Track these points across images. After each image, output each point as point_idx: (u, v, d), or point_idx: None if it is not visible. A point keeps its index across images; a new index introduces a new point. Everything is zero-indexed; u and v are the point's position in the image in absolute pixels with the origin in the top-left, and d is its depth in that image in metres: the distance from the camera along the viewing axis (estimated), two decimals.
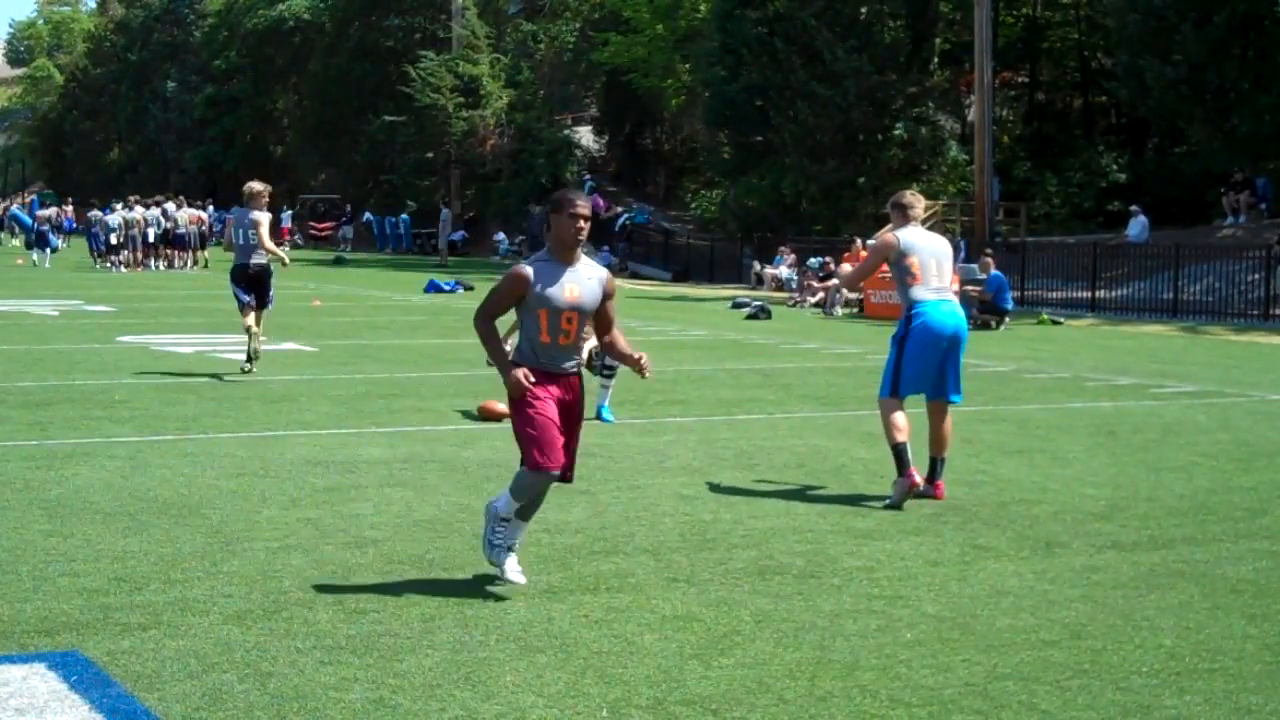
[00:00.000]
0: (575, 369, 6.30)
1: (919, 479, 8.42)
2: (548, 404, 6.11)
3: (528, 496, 6.23)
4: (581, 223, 6.15)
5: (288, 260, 15.20)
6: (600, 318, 6.34)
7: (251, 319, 14.43)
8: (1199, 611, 6.15)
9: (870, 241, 27.43)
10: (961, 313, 8.84)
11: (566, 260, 6.20)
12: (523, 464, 6.16)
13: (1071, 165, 39.27)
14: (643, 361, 6.38)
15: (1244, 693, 5.10)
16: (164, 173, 72.92)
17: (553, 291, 6.11)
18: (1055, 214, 38.52)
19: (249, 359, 14.44)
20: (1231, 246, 29.69)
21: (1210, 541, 7.55)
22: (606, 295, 6.29)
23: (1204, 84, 30.82)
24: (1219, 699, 5.02)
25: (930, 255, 8.69)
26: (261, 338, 14.72)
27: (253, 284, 14.59)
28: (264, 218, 14.52)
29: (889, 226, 9.03)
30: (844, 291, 28.07)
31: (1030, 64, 45.61)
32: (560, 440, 6.12)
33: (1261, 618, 6.09)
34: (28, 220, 47.75)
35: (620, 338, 6.49)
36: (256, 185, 14.75)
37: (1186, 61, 30.85)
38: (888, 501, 8.36)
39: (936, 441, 8.73)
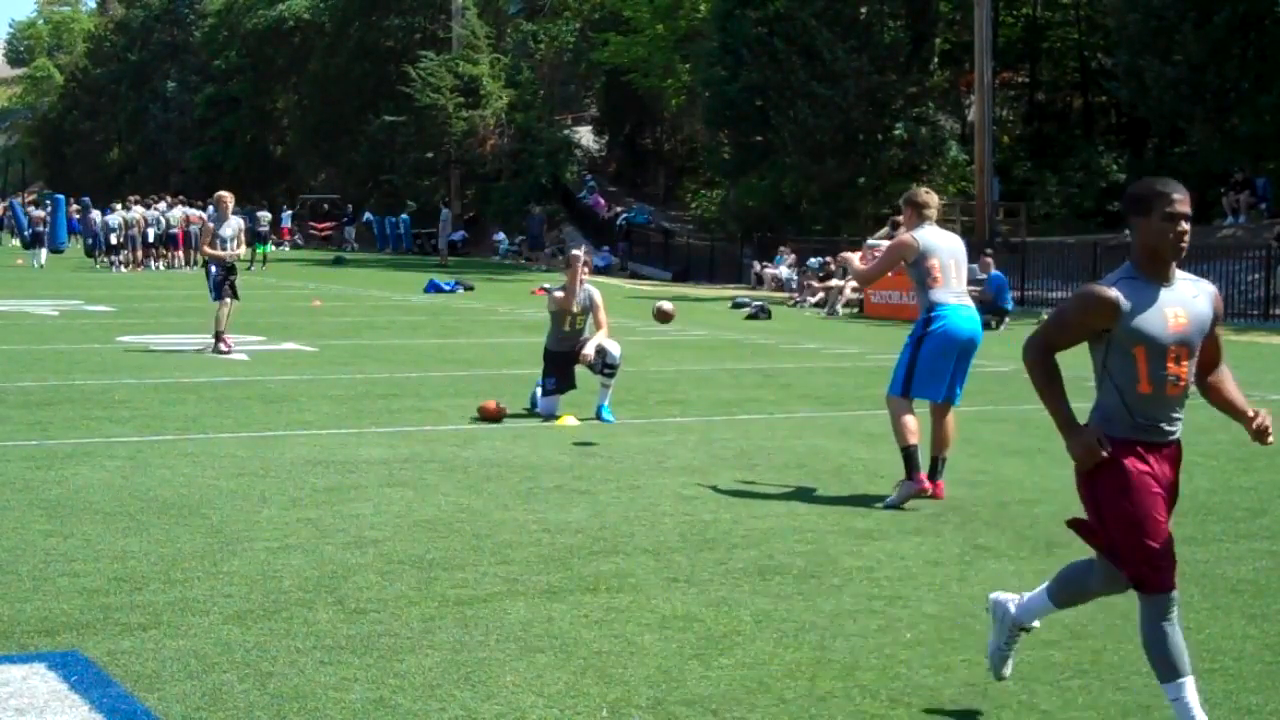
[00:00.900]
0: (1178, 431, 4.66)
1: (928, 485, 8.41)
2: (1155, 495, 4.50)
3: (1070, 600, 4.86)
4: (1183, 224, 4.40)
5: (206, 256, 17.02)
6: (1204, 349, 4.60)
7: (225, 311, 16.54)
8: (1199, 611, 6.15)
9: (871, 241, 27.54)
10: (978, 319, 8.80)
11: (1162, 277, 4.47)
12: (1131, 583, 4.58)
13: (1071, 165, 39.27)
14: (1258, 422, 4.61)
15: (1244, 693, 5.10)
16: (164, 173, 72.86)
17: (1151, 320, 4.42)
18: (1055, 214, 38.52)
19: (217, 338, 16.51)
20: (1231, 246, 29.67)
21: (1210, 541, 7.55)
22: (1216, 317, 4.59)
23: (1204, 84, 30.81)
24: (1219, 699, 5.01)
25: (950, 256, 8.65)
26: (224, 336, 16.35)
27: None
28: (210, 224, 16.93)
29: (903, 226, 8.97)
30: (846, 291, 28.11)
31: (1030, 64, 45.62)
32: (1172, 547, 4.55)
33: (1261, 618, 6.09)
34: (23, 217, 47.69)
35: (1228, 378, 4.75)
36: (219, 194, 17.14)
37: (1186, 61, 30.85)
38: (888, 501, 8.35)
39: (939, 440, 8.72)
